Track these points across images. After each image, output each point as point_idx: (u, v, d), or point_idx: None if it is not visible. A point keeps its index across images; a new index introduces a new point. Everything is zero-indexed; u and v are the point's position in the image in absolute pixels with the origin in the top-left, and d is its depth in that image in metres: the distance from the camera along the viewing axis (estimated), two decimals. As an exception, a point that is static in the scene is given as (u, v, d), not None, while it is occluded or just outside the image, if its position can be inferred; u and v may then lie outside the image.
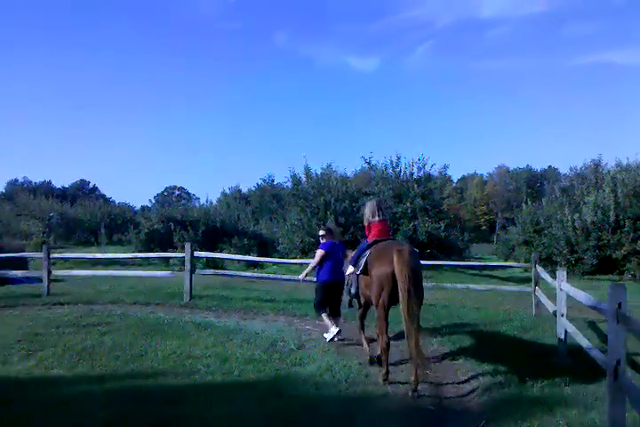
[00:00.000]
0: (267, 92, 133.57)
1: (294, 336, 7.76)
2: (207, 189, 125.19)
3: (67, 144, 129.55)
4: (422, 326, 7.97)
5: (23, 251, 19.24)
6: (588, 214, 21.52)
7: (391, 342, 5.90)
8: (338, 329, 7.69)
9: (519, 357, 6.63)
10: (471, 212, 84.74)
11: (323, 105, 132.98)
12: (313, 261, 8.11)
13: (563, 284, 6.70)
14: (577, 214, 21.91)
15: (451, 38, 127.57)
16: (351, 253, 7.07)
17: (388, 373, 5.64)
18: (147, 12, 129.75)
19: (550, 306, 8.17)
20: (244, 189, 59.68)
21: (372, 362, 6.43)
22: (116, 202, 56.96)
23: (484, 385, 5.55)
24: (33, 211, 36.49)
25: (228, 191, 57.19)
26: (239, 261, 20.62)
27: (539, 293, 9.89)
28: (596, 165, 25.75)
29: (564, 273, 6.92)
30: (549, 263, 21.28)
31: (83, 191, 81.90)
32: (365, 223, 6.74)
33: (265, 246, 29.37)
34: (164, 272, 13.80)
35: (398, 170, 27.38)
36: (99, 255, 14.99)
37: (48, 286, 11.57)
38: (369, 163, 28.94)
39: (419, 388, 5.26)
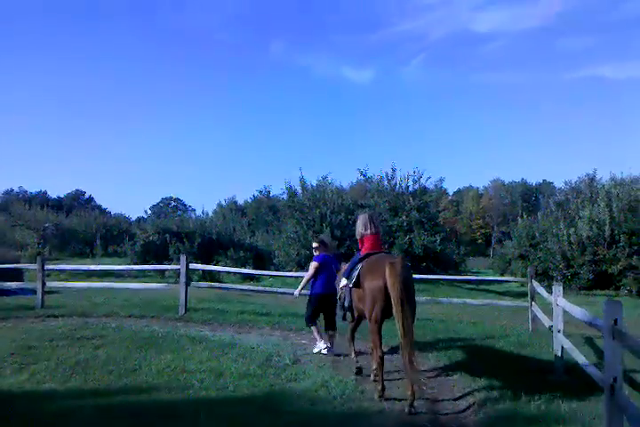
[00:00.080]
0: (263, 102, 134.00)
1: (290, 351, 7.71)
2: (203, 201, 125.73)
3: (63, 154, 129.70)
4: (418, 341, 8.06)
5: (18, 262, 19.17)
6: (583, 229, 21.55)
7: (386, 357, 5.87)
8: (325, 346, 7.78)
9: (516, 373, 6.60)
10: (467, 225, 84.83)
11: (318, 116, 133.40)
12: (307, 274, 8.09)
13: (559, 299, 6.69)
14: (572, 229, 21.94)
15: (445, 51, 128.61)
16: (344, 266, 7.08)
17: (383, 389, 5.59)
18: (145, 22, 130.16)
19: (546, 321, 8.17)
20: (241, 201, 59.82)
21: (358, 373, 6.57)
22: (112, 213, 56.85)
23: (480, 401, 5.51)
24: (28, 221, 36.37)
25: (224, 203, 57.23)
26: (235, 273, 20.56)
27: (535, 308, 9.89)
28: (591, 179, 25.83)
29: (561, 288, 6.91)
30: (546, 278, 21.27)
31: (78, 202, 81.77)
32: (358, 236, 6.76)
33: (261, 259, 29.29)
34: (159, 284, 13.74)
35: (394, 182, 27.44)
36: (93, 267, 14.97)
37: (42, 297, 11.50)
38: (364, 175, 29.00)
39: (415, 404, 5.22)
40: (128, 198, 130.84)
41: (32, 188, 78.51)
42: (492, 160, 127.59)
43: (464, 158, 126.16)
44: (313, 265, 7.98)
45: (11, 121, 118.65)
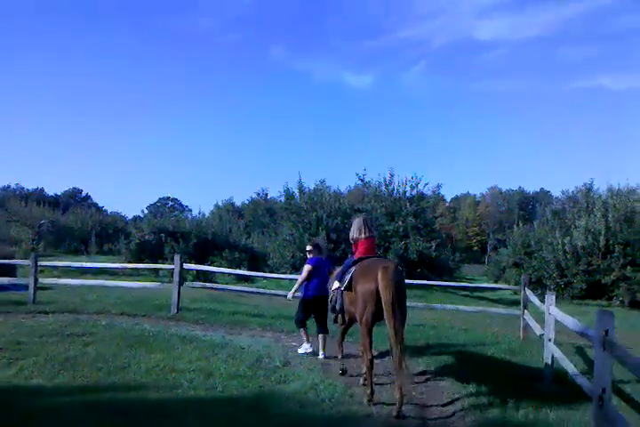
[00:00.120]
0: (262, 105, 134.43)
1: (280, 353, 7.71)
2: (200, 202, 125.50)
3: (61, 152, 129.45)
4: (409, 346, 8.07)
5: (13, 257, 19.08)
6: (578, 239, 21.56)
7: (376, 361, 5.86)
8: (311, 348, 7.94)
9: (505, 380, 6.61)
10: (463, 232, 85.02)
11: (318, 120, 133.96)
12: (301, 277, 8.10)
13: (551, 308, 6.70)
14: (568, 238, 21.95)
15: (446, 58, 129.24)
16: (337, 269, 7.09)
17: (372, 393, 5.59)
18: (147, 22, 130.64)
19: (538, 330, 8.18)
20: (238, 203, 59.74)
21: (342, 373, 6.74)
22: (109, 211, 56.71)
23: (468, 408, 5.51)
24: (24, 217, 36.22)
25: (220, 204, 57.16)
26: (229, 274, 20.52)
27: (527, 316, 9.89)
28: (588, 189, 25.84)
29: (553, 297, 6.90)
30: (539, 286, 21.27)
31: (75, 200, 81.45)
32: (352, 240, 6.79)
33: (256, 260, 29.22)
34: (152, 283, 13.71)
35: (391, 188, 27.42)
36: (87, 264, 14.87)
37: (34, 293, 11.47)
38: (362, 180, 29.01)
39: (403, 409, 5.21)
40: (125, 197, 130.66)
41: (29, 184, 78.38)
42: (490, 168, 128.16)
43: (462, 165, 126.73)
44: (306, 268, 8.00)
45: (11, 118, 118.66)
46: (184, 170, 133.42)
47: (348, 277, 6.27)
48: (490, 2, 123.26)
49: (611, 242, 20.75)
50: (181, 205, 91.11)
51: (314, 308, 7.98)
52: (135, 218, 51.17)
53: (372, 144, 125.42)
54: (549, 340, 6.76)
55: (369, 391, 5.59)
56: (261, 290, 13.16)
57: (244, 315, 11.34)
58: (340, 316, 6.85)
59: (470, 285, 20.22)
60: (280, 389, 5.90)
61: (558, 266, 21.87)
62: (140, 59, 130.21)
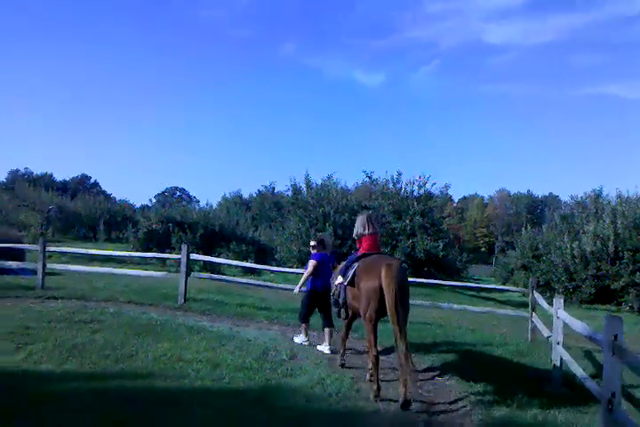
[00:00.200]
0: (273, 100, 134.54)
1: (287, 346, 7.70)
2: (208, 193, 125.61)
3: (71, 138, 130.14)
4: (416, 343, 8.07)
5: (21, 242, 19.14)
6: (587, 244, 21.45)
7: (382, 358, 5.86)
8: (308, 342, 8.09)
9: (513, 381, 6.57)
10: (471, 233, 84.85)
11: (327, 116, 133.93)
12: (306, 272, 8.12)
13: (560, 311, 6.66)
14: (576, 243, 21.85)
15: (456, 60, 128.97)
16: (340, 265, 7.11)
17: (379, 389, 5.58)
18: (158, 12, 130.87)
19: (546, 332, 8.14)
20: (245, 195, 59.83)
21: (342, 366, 6.89)
22: (117, 199, 56.83)
23: (476, 406, 5.49)
24: (33, 202, 36.36)
25: (228, 196, 57.31)
26: (236, 266, 20.54)
27: (535, 318, 9.85)
28: (597, 195, 25.70)
29: (562, 301, 6.89)
30: (548, 289, 21.23)
31: (84, 186, 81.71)
32: (356, 236, 6.82)
33: (263, 253, 29.27)
34: (159, 273, 13.72)
35: (399, 186, 27.43)
36: (95, 251, 14.90)
37: (43, 279, 11.49)
38: (370, 177, 28.99)
39: (408, 399, 5.21)
40: (134, 186, 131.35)
41: (38, 169, 78.50)
42: (499, 170, 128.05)
43: (471, 166, 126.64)
44: (312, 263, 8.03)
45: (21, 102, 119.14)
46: (193, 161, 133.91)
47: (351, 273, 6.31)
48: (501, 7, 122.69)
49: (620, 248, 20.62)
50: (189, 195, 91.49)
51: (318, 302, 8.05)
52: (143, 207, 51.38)
53: (380, 142, 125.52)
54: (557, 343, 6.73)
55: (375, 387, 5.58)
56: (268, 283, 13.13)
57: (251, 307, 11.34)
58: (342, 310, 6.90)
59: (478, 285, 20.16)
60: (286, 382, 5.89)
61: (567, 270, 21.79)
62: (152, 48, 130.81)
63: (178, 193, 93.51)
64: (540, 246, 25.24)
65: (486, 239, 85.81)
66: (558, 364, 6.65)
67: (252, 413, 4.78)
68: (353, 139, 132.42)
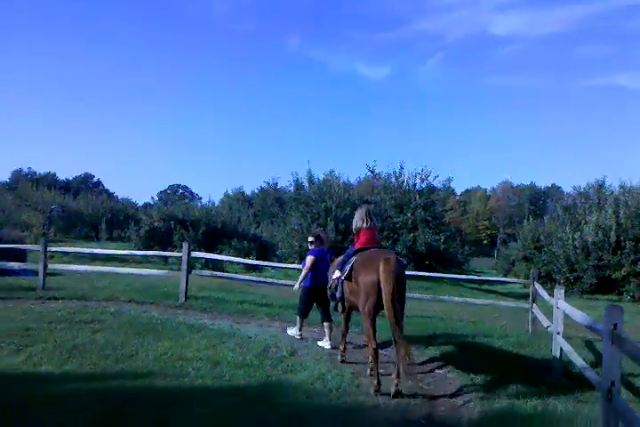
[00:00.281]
0: (276, 94, 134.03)
1: (287, 343, 7.71)
2: (210, 190, 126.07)
3: (73, 137, 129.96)
4: (416, 336, 8.09)
5: (23, 242, 19.18)
6: (589, 234, 21.47)
7: (383, 352, 5.87)
8: (301, 337, 8.16)
9: (514, 372, 6.58)
10: (473, 225, 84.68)
11: (331, 110, 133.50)
12: (305, 268, 8.11)
13: (560, 302, 6.66)
14: (578, 233, 21.86)
15: (462, 52, 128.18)
16: (337, 259, 7.12)
17: (379, 383, 5.58)
18: (160, 9, 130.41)
19: (546, 323, 8.15)
20: (248, 192, 59.81)
21: (342, 361, 6.90)
22: (120, 197, 56.80)
23: (476, 398, 5.51)
24: (35, 202, 36.35)
25: (230, 192, 57.31)
26: (238, 263, 20.57)
27: (535, 310, 9.85)
28: (600, 185, 25.70)
29: (562, 291, 6.88)
30: (549, 280, 21.26)
31: (86, 185, 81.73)
32: (354, 230, 6.82)
33: (265, 250, 29.25)
34: (160, 271, 13.73)
35: (401, 180, 27.40)
36: (96, 251, 14.91)
37: (44, 279, 11.50)
38: (372, 171, 28.97)
39: (402, 395, 5.26)
40: (136, 184, 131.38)
41: (41, 169, 78.54)
42: (502, 162, 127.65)
43: (474, 159, 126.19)
44: (310, 259, 8.02)
45: (22, 101, 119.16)
46: (195, 158, 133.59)
47: (348, 267, 6.31)
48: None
49: (622, 238, 20.64)
50: (191, 192, 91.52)
51: (317, 298, 8.06)
52: (146, 205, 51.41)
53: (383, 135, 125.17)
54: (558, 333, 6.74)
55: (375, 382, 5.59)
56: (269, 280, 13.15)
57: (252, 304, 11.36)
58: (339, 304, 6.93)
59: (479, 277, 20.18)
60: (287, 378, 5.90)
61: (568, 261, 21.81)
62: (154, 44, 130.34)
63: (180, 190, 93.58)
64: (542, 238, 25.26)
65: (488, 232, 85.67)
66: (558, 354, 6.66)
67: (253, 410, 4.78)
68: (357, 132, 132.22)
